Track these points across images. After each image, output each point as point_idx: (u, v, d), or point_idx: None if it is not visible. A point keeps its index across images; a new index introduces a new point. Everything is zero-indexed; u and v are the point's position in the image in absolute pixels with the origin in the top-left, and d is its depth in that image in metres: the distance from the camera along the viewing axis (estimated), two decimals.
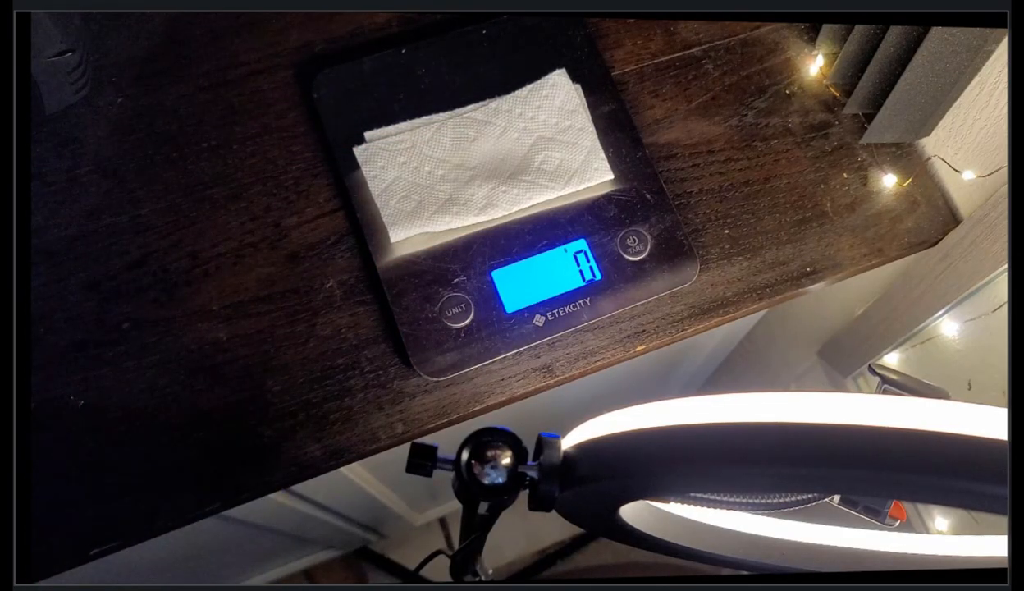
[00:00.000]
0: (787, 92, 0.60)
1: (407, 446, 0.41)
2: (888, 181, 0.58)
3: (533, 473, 0.38)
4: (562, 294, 0.52)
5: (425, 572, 0.58)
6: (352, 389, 0.51)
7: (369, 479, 0.91)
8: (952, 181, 0.58)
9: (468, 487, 0.38)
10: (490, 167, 0.54)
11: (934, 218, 0.58)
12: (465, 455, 0.39)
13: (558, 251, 0.53)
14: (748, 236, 0.56)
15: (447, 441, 0.42)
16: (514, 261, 0.53)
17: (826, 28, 0.59)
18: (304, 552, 1.23)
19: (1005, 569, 0.27)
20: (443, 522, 1.43)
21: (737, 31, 0.61)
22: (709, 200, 0.57)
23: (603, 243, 0.53)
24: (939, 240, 0.58)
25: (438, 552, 0.56)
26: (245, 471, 0.49)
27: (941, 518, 0.69)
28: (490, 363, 0.52)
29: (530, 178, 0.54)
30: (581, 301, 0.52)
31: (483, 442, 0.39)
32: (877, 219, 0.58)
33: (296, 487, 0.74)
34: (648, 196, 0.55)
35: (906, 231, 0.58)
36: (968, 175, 0.55)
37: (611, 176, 0.55)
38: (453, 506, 1.35)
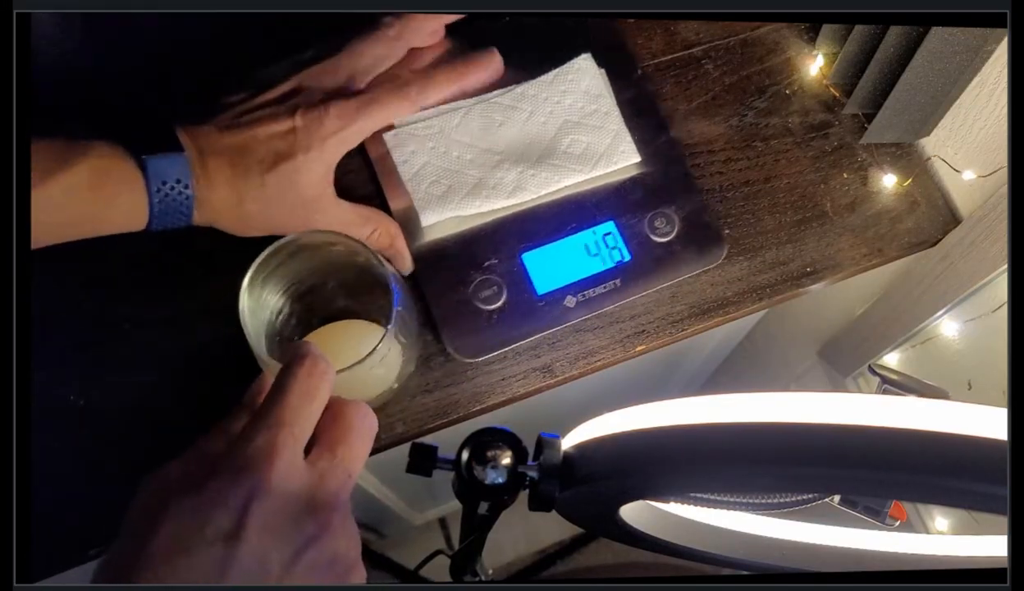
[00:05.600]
0: (787, 92, 0.60)
1: (407, 446, 0.41)
2: (888, 181, 0.58)
3: (533, 473, 0.38)
4: (592, 275, 0.53)
5: (425, 572, 0.58)
6: None
7: (369, 479, 0.91)
8: (952, 181, 0.58)
9: (468, 487, 0.39)
10: (518, 151, 0.55)
11: (934, 218, 0.58)
12: (465, 455, 0.39)
13: (587, 233, 0.54)
14: (748, 236, 0.56)
15: (447, 441, 0.42)
16: (544, 244, 0.53)
17: (826, 28, 0.59)
18: None
19: (1005, 569, 0.27)
20: (443, 522, 1.43)
21: (737, 31, 0.61)
22: (709, 200, 0.57)
23: (631, 225, 0.54)
24: (939, 240, 0.58)
25: (438, 552, 0.56)
26: None
27: (941, 518, 0.69)
28: (524, 344, 0.52)
29: (558, 162, 0.54)
30: (612, 282, 0.53)
31: (483, 442, 0.39)
32: (877, 219, 0.58)
33: None
34: (674, 178, 0.55)
35: (906, 231, 0.58)
36: (968, 175, 0.55)
37: (638, 159, 0.55)
38: (453, 506, 1.35)
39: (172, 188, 0.44)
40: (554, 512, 0.40)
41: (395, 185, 0.53)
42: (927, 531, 0.69)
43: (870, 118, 0.58)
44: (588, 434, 0.38)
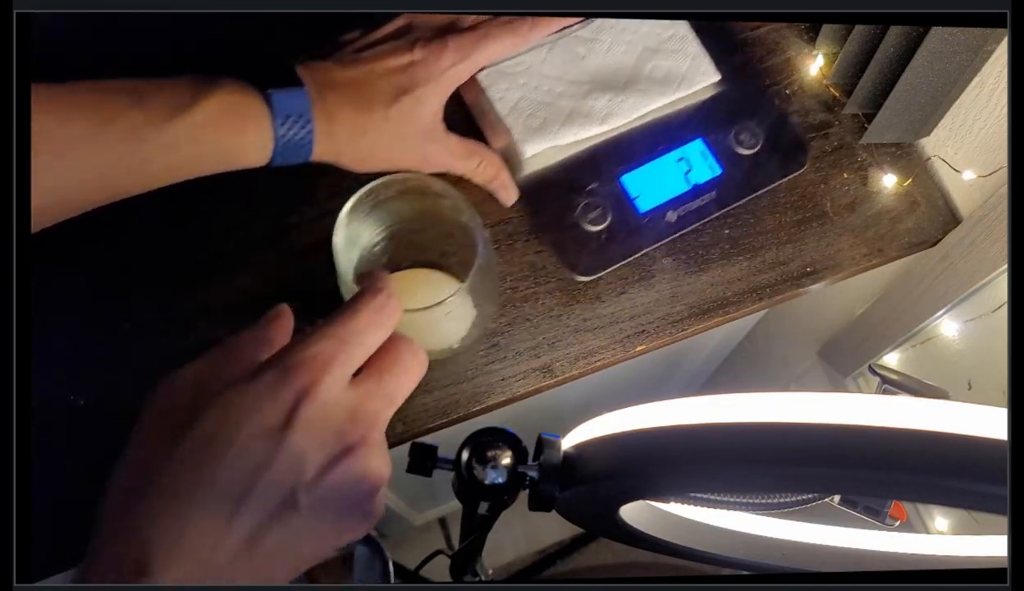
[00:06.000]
0: (787, 92, 0.60)
1: (407, 446, 0.41)
2: (888, 181, 0.58)
3: (533, 473, 0.38)
4: (688, 190, 0.55)
5: (425, 572, 0.58)
6: None
7: None
8: (952, 181, 0.58)
9: (468, 487, 0.38)
10: (604, 80, 0.57)
11: (934, 218, 0.58)
12: (465, 455, 0.39)
13: (678, 151, 0.56)
14: (748, 236, 0.56)
15: (447, 441, 0.42)
16: (640, 165, 0.56)
17: (826, 28, 0.59)
18: None
19: (1005, 569, 0.27)
20: (443, 522, 1.43)
21: (737, 31, 0.61)
22: None
23: (718, 141, 0.57)
24: (939, 240, 0.58)
25: (438, 552, 0.56)
26: None
27: (941, 518, 0.69)
28: (634, 259, 0.54)
29: (643, 86, 0.57)
30: (707, 195, 0.55)
31: (483, 442, 0.39)
32: (877, 219, 0.58)
33: None
34: (752, 93, 0.58)
35: (906, 231, 0.58)
36: (968, 175, 0.55)
37: (718, 77, 0.57)
38: (453, 506, 1.35)
39: (296, 122, 0.45)
40: (554, 512, 0.40)
41: (493, 122, 0.55)
42: (927, 531, 0.69)
43: (870, 118, 0.58)
44: (588, 434, 0.38)
